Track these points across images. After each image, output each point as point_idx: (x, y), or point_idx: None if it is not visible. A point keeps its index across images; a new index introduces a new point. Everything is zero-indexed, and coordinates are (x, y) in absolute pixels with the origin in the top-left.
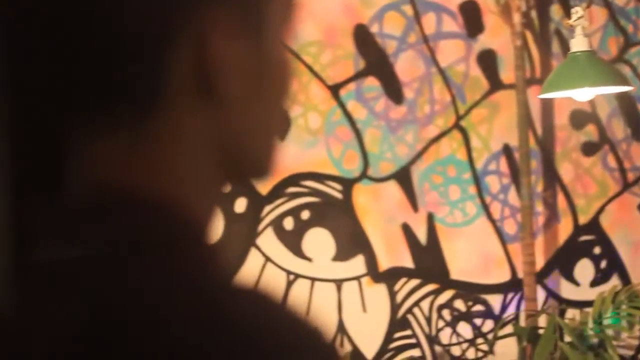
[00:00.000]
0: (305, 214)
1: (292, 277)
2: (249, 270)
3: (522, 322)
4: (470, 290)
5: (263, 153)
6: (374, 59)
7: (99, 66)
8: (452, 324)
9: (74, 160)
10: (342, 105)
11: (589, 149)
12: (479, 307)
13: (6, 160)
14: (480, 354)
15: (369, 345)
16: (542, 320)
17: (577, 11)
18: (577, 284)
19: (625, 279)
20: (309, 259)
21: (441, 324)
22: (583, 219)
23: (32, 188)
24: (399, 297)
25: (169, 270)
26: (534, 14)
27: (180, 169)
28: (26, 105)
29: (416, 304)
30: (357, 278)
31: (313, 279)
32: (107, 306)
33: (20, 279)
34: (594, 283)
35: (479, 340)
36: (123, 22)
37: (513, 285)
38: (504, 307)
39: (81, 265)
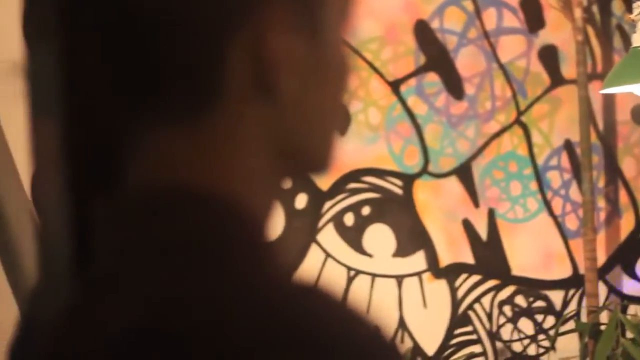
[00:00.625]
0: (365, 210)
1: (352, 273)
2: (310, 267)
3: (584, 318)
4: (532, 287)
5: (321, 148)
6: (435, 55)
7: (156, 63)
8: (513, 320)
9: (131, 158)
10: (402, 101)
11: None
12: (540, 304)
13: (64, 160)
14: (541, 350)
15: (430, 341)
16: (604, 317)
17: (639, 6)
18: (639, 279)
19: None
20: (369, 255)
21: (502, 320)
22: None
23: (89, 187)
24: (460, 293)
25: (228, 267)
26: (595, 9)
27: (239, 165)
28: (84, 104)
29: (477, 300)
30: (418, 274)
31: (373, 275)
32: (166, 305)
33: (80, 278)
34: None
35: (541, 337)
36: (181, 18)
37: (574, 281)
38: (566, 303)
39: (139, 263)
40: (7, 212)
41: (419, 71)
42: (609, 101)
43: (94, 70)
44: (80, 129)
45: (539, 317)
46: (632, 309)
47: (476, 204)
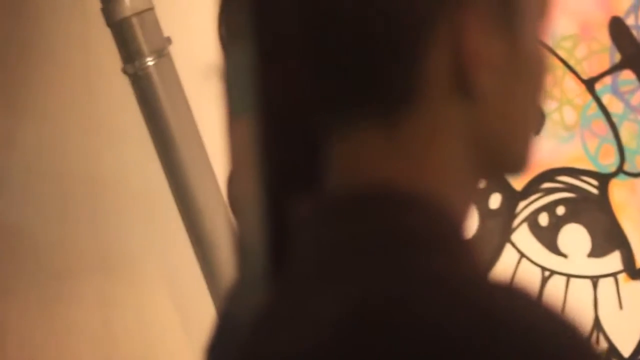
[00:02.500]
0: (560, 210)
1: (547, 273)
2: (504, 267)
3: None
4: None
5: (520, 148)
6: (630, 52)
7: (354, 61)
8: None
9: (330, 157)
10: (597, 99)
11: None
12: None
13: (261, 159)
14: None
15: (626, 342)
16: None
17: None
18: None
19: None
20: (564, 255)
21: None
22: None
23: (287, 187)
24: None
25: (430, 266)
26: None
27: (439, 165)
28: (282, 103)
29: None
30: (614, 275)
31: (568, 276)
32: (370, 305)
33: (278, 278)
34: None
35: None
36: (380, 15)
37: None
38: None
39: (340, 263)
40: (203, 212)
41: (614, 69)
42: None
43: (292, 70)
44: (278, 129)
45: None
46: None
47: None
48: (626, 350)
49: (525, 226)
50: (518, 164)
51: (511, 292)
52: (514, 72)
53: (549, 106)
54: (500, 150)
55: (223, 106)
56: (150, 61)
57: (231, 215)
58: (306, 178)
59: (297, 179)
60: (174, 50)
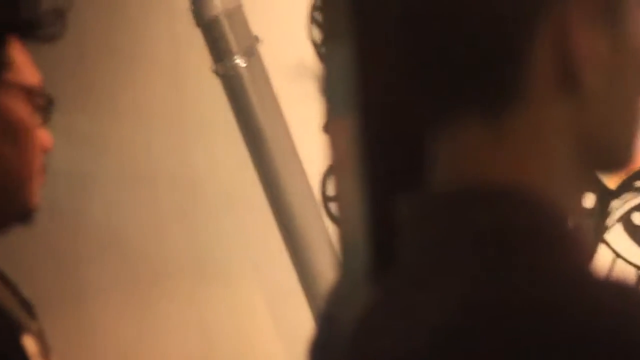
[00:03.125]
0: None
1: None
2: (598, 266)
3: None
4: None
5: (623, 145)
6: None
7: (461, 59)
8: None
9: (434, 154)
10: None
11: None
12: None
13: (362, 157)
14: None
15: None
16: None
17: None
18: None
19: None
20: None
21: None
22: None
23: (390, 184)
24: None
25: (538, 262)
26: None
27: (544, 161)
28: (383, 101)
29: None
30: None
31: None
32: (479, 304)
33: (383, 276)
34: None
35: None
36: (486, 13)
37: None
38: None
39: (447, 260)
40: (296, 212)
41: None
42: None
43: (395, 69)
44: (381, 127)
45: None
46: None
47: None
48: None
49: (619, 226)
50: (622, 160)
51: (623, 287)
52: (618, 67)
53: None
54: (605, 147)
55: (322, 106)
56: (240, 60)
57: (323, 214)
58: (411, 176)
59: (401, 176)
60: (262, 49)
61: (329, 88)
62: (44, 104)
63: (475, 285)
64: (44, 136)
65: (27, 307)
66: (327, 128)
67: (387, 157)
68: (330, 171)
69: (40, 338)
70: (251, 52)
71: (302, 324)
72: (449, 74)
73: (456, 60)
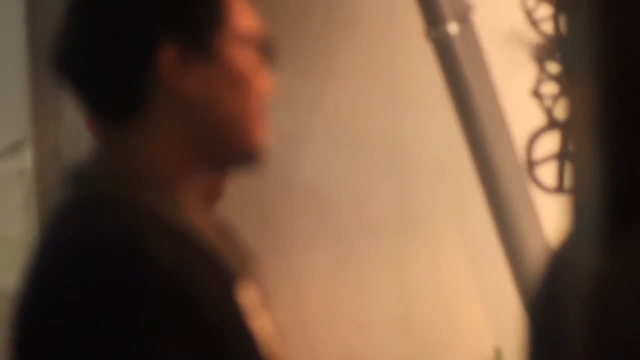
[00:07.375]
0: None
1: None
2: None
3: None
4: None
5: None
6: None
7: None
8: None
9: None
10: None
11: None
12: None
13: (609, 115)
14: None
15: None
16: None
17: None
18: None
19: None
20: None
21: None
22: None
23: (635, 145)
24: None
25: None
26: None
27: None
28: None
29: None
30: None
31: None
32: None
33: (618, 237)
34: None
35: None
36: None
37: None
38: None
39: None
40: (502, 179)
41: None
42: None
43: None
44: (623, 87)
45: None
46: None
47: None
48: None
49: None
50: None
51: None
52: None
53: None
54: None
55: (560, 69)
56: (453, 27)
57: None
58: None
59: None
60: (474, 15)
61: (569, 51)
62: (264, 50)
63: None
64: (265, 82)
65: (246, 258)
66: (566, 90)
67: (630, 114)
68: (536, 136)
69: (259, 288)
70: (465, 19)
71: (503, 287)
72: None
73: None
